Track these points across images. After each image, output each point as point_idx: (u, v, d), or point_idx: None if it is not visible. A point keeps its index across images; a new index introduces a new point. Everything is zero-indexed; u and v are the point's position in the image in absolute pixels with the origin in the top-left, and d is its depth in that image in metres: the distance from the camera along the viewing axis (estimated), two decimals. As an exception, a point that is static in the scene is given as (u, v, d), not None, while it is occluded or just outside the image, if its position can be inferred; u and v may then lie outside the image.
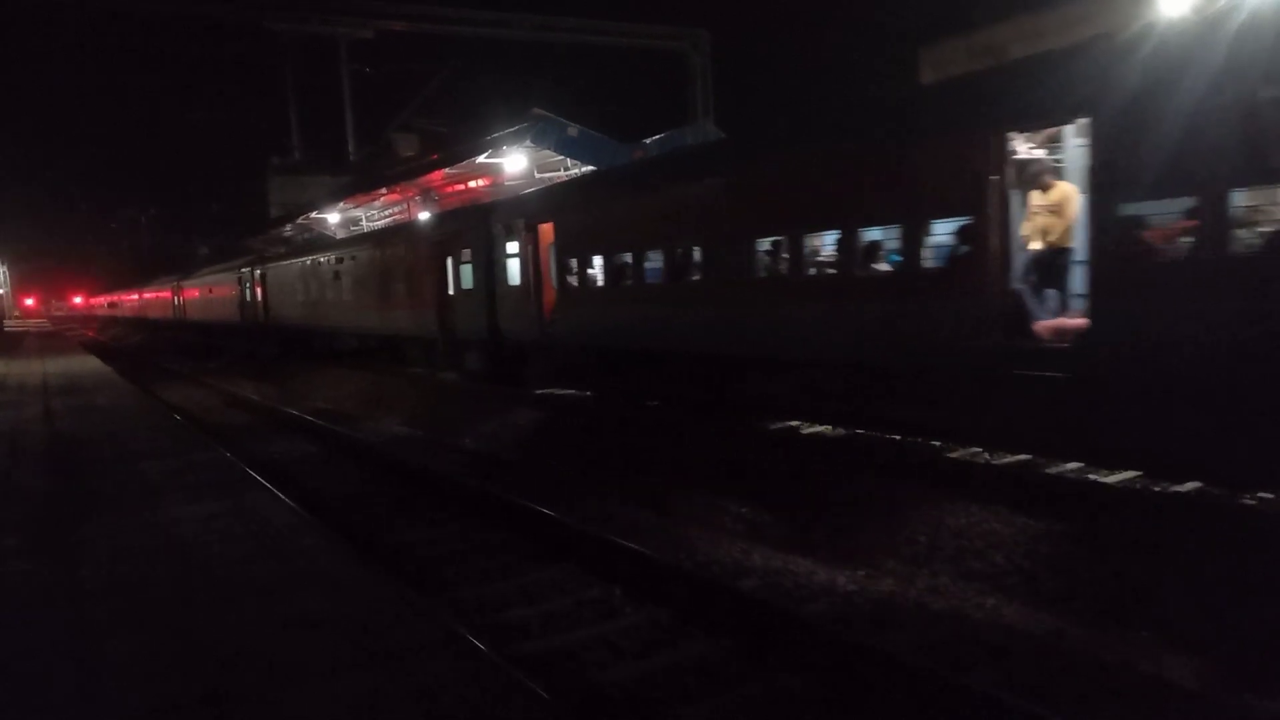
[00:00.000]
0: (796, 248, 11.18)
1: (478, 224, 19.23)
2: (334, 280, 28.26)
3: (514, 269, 17.87)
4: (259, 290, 36.48)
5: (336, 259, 28.55)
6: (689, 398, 14.09)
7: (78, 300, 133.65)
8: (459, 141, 34.39)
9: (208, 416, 20.01)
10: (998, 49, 21.41)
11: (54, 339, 50.77)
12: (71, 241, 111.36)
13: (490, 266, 18.61)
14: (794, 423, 13.10)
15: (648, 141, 28.36)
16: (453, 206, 29.50)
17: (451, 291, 20.53)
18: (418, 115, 46.94)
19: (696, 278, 13.02)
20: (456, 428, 16.13)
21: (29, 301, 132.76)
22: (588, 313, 15.60)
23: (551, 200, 17.81)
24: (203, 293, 48.22)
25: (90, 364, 28.17)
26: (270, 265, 35.83)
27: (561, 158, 27.50)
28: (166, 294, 60.06)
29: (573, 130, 26.25)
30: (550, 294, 16.91)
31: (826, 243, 11.28)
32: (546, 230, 16.90)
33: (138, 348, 52.16)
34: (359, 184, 38.96)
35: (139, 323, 72.26)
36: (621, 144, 27.31)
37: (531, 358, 18.28)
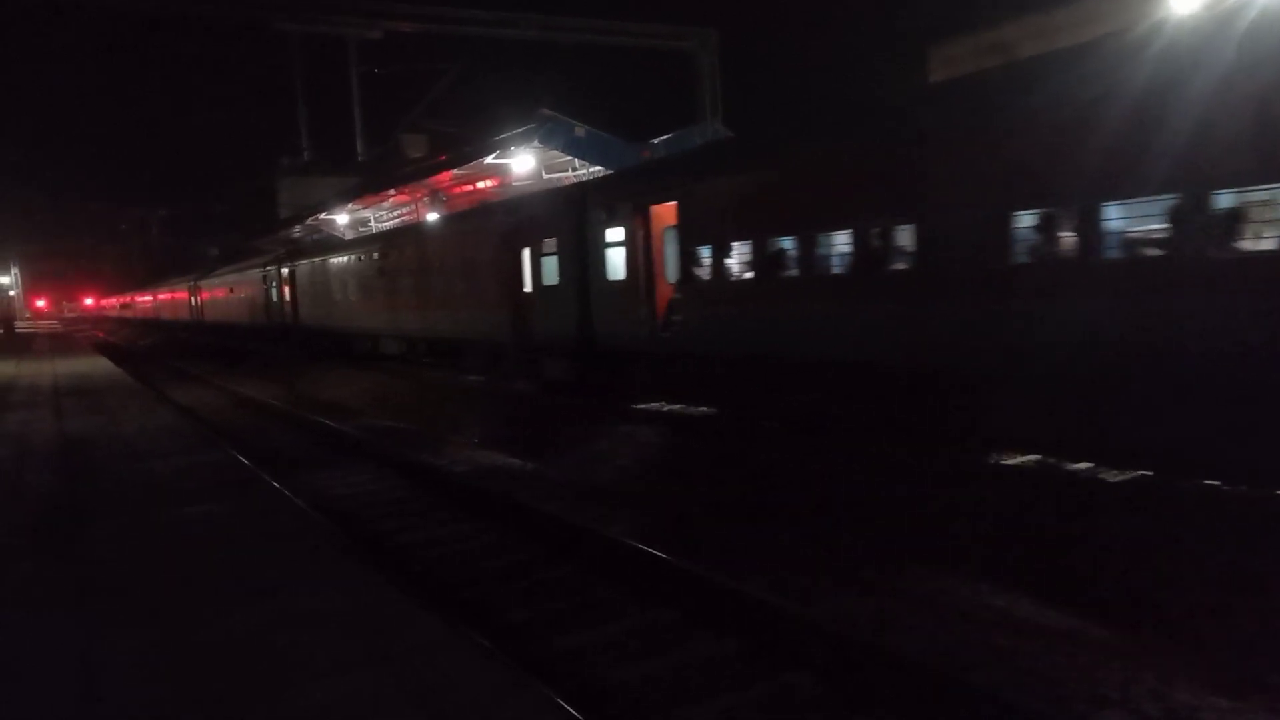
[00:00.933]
0: (1090, 220, 8.02)
1: (567, 207, 16.03)
2: (377, 277, 25.21)
3: (616, 260, 14.75)
4: (287, 290, 33.36)
5: (380, 253, 25.25)
6: (879, 420, 10.62)
7: (88, 302, 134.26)
8: (467, 142, 34.43)
9: (251, 437, 16.18)
10: (1007, 47, 21.31)
11: (66, 341, 50.80)
12: (82, 243, 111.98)
13: (583, 258, 15.50)
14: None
15: (655, 141, 28.34)
16: (531, 189, 26.41)
17: (529, 288, 17.41)
18: (426, 116, 47.07)
19: (907, 266, 9.83)
20: (560, 453, 12.99)
21: (40, 303, 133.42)
22: (726, 312, 12.53)
23: (676, 173, 14.28)
24: (223, 293, 45.50)
25: (101, 365, 27.87)
26: (300, 262, 32.37)
27: (569, 158, 27.52)
28: (183, 294, 57.31)
29: (580, 130, 26.26)
30: (664, 290, 14.01)
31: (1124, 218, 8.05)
32: (664, 212, 13.78)
33: (153, 350, 48.62)
34: (368, 184, 39.03)
35: (153, 324, 69.59)
36: (629, 144, 27.31)
37: (630, 367, 15.11)
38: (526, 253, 17.41)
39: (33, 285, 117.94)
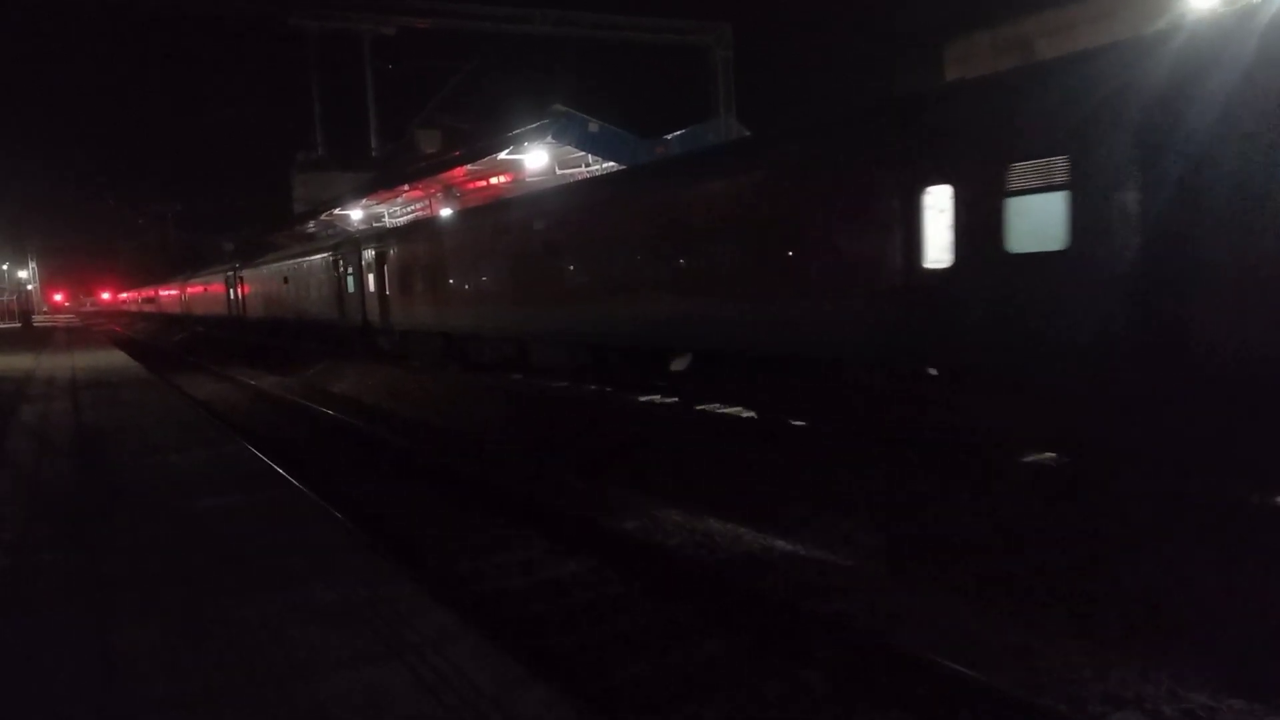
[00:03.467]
0: None
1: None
2: (538, 256, 17.08)
3: None
4: (370, 278, 25.64)
5: (556, 219, 17.05)
6: None
7: (105, 296, 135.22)
8: (481, 138, 34.51)
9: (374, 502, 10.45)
10: (1023, 43, 21.21)
11: (84, 335, 51.16)
12: (99, 238, 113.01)
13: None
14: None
15: (669, 137, 28.35)
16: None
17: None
18: (440, 111, 47.19)
19: None
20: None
21: (58, 297, 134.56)
22: None
23: None
24: (274, 285, 37.68)
25: (130, 367, 27.85)
26: (393, 243, 24.56)
27: (582, 154, 27.55)
28: (217, 287, 49.12)
29: (594, 126, 26.31)
30: None
31: None
32: None
33: (185, 349, 42.85)
34: (382, 180, 39.19)
35: (181, 320, 61.73)
36: (643, 139, 27.33)
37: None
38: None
39: (50, 279, 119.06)
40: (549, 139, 26.24)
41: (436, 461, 12.31)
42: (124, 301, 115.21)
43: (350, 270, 27.36)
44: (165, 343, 49.57)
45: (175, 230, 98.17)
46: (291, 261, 34.73)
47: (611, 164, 25.98)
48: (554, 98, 28.36)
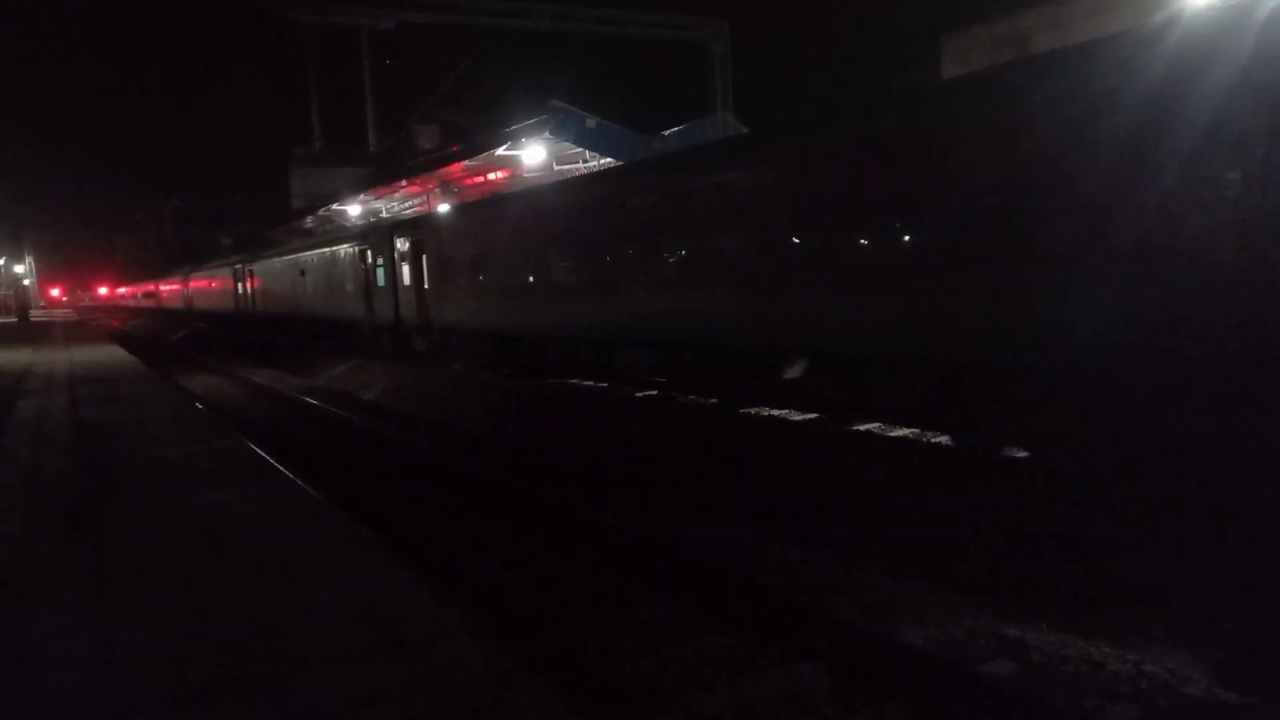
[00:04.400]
0: None
1: None
2: (635, 241, 14.28)
3: None
4: (406, 270, 22.84)
5: (661, 194, 13.77)
6: None
7: (103, 291, 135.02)
8: (479, 133, 34.50)
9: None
10: (1021, 38, 21.22)
11: (82, 330, 51.06)
12: (96, 232, 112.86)
13: None
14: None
15: (666, 134, 28.36)
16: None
17: None
18: (438, 106, 47.14)
19: None
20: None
21: (55, 291, 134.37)
22: None
23: None
24: (286, 279, 34.90)
25: (133, 368, 25.83)
26: (441, 231, 21.53)
27: (580, 150, 27.56)
28: (224, 282, 46.18)
29: (591, 122, 26.32)
30: None
31: None
32: None
33: (190, 345, 40.82)
34: (380, 176, 39.17)
35: (183, 315, 58.94)
36: (640, 136, 27.34)
37: None
38: None
39: (47, 273, 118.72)
40: (547, 135, 26.25)
41: (557, 504, 9.17)
42: (122, 297, 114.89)
43: (380, 261, 24.59)
44: (167, 340, 47.76)
45: (172, 225, 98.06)
46: (310, 253, 31.87)
47: (609, 160, 25.98)
48: (552, 93, 28.42)
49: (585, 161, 28.18)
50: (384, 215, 40.22)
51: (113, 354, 27.17)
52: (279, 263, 36.08)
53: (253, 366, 27.33)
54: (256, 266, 40.03)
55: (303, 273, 32.26)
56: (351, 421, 15.66)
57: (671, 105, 49.45)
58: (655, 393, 14.41)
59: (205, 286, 52.58)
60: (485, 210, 21.45)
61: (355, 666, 4.33)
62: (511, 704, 3.91)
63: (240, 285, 42.55)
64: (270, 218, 56.08)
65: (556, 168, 28.65)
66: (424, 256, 21.76)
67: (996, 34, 23.16)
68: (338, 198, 40.38)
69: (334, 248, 29.07)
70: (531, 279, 17.38)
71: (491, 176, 31.83)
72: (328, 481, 10.18)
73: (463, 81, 45.51)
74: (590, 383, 16.01)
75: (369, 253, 25.35)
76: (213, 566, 5.94)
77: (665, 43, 52.75)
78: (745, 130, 30.65)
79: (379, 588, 5.47)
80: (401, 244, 23.01)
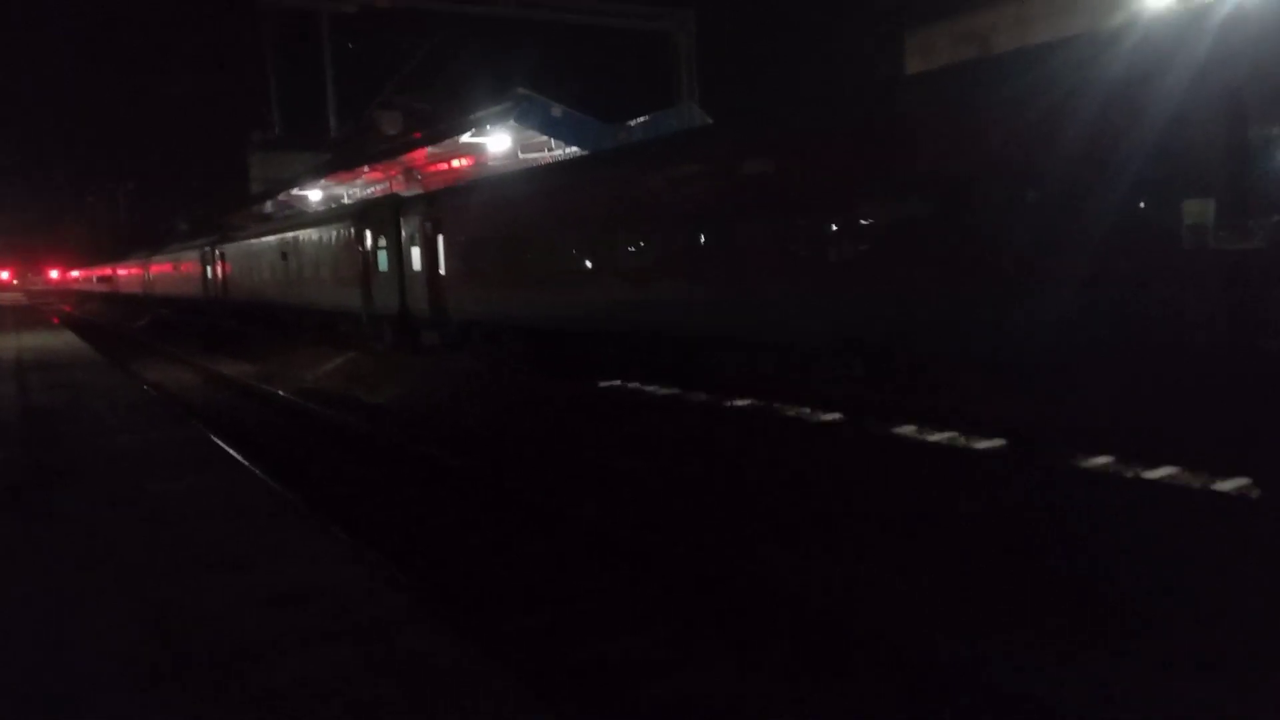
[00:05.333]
0: None
1: None
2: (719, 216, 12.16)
3: None
4: (415, 254, 20.29)
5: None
6: None
7: (54, 274, 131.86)
8: (442, 119, 34.15)
9: None
10: (981, 36, 21.45)
11: (33, 315, 49.82)
12: (47, 214, 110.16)
13: None
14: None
15: (632, 124, 28.29)
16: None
17: None
18: (401, 91, 46.56)
19: None
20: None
21: (3, 275, 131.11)
22: None
23: None
24: (264, 262, 31.82)
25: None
26: (465, 206, 19.15)
27: (546, 138, 27.43)
28: (190, 265, 43.40)
29: (557, 110, 26.16)
30: None
31: None
32: None
33: (154, 335, 38.26)
34: (341, 161, 38.65)
35: (143, 301, 56.12)
36: (606, 124, 27.24)
37: None
38: None
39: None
40: (512, 122, 26.06)
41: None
42: (75, 281, 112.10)
43: (383, 243, 21.75)
44: (127, 327, 45.13)
45: (126, 208, 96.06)
46: (294, 234, 28.78)
47: (574, 149, 25.88)
48: (517, 80, 28.15)
49: (551, 150, 28.05)
50: (345, 201, 39.69)
51: (66, 340, 26.61)
52: (256, 244, 33.18)
53: (230, 360, 25.45)
54: (229, 249, 37.17)
55: (284, 256, 29.37)
56: (366, 433, 13.69)
57: (638, 94, 49.33)
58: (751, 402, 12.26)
59: (169, 271, 49.91)
60: (531, 182, 17.94)
61: None
62: None
63: (210, 269, 39.85)
64: (228, 202, 55.09)
65: (521, 156, 28.48)
66: (440, 237, 19.20)
67: (958, 31, 23.39)
68: (297, 182, 39.77)
69: (323, 228, 26.39)
70: (596, 262, 14.49)
71: (455, 164, 31.56)
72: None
73: (426, 67, 45.05)
74: (670, 388, 13.51)
75: (368, 233, 22.66)
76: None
77: (631, 32, 52.55)
78: (710, 121, 30.68)
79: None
80: (411, 223, 20.46)
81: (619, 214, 13.98)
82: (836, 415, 11.26)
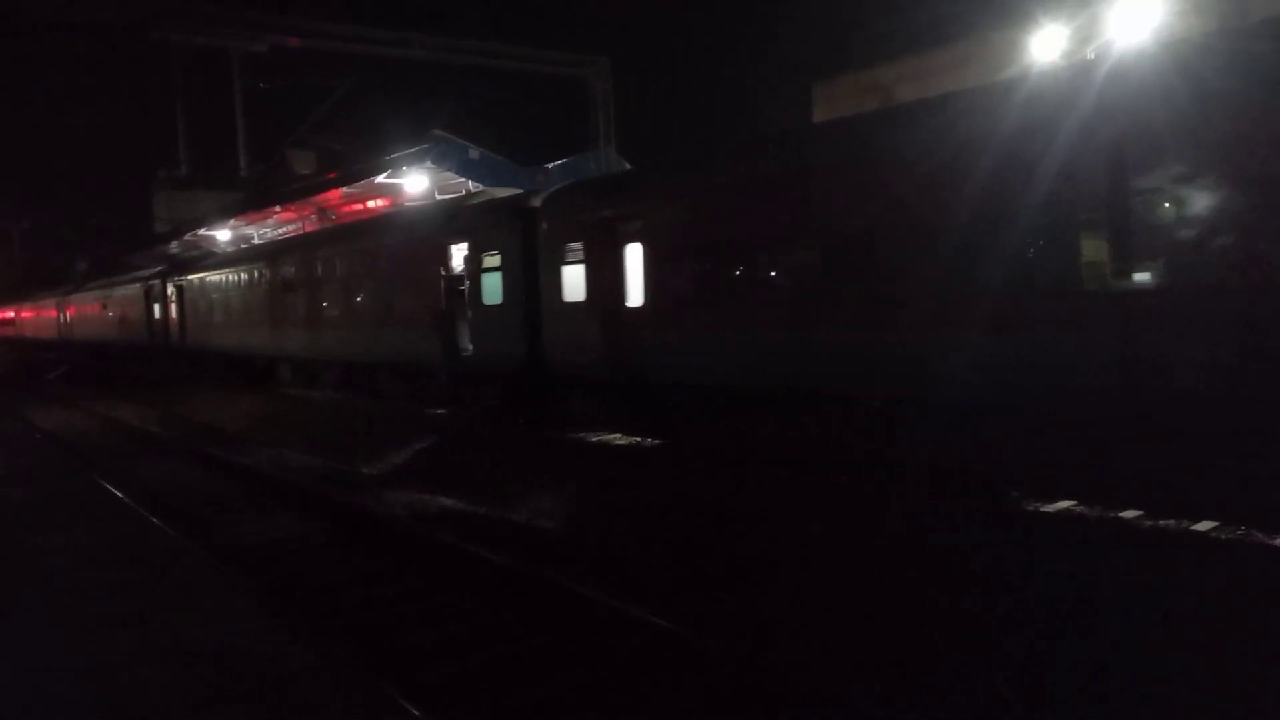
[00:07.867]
0: None
1: None
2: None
3: None
4: (562, 273, 14.15)
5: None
6: None
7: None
8: (357, 160, 33.96)
9: None
10: (884, 88, 22.51)
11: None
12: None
13: None
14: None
15: (550, 166, 28.65)
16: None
17: None
18: (314, 131, 46.11)
19: None
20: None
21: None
22: None
23: None
24: (247, 298, 26.43)
25: None
26: (702, 193, 12.26)
27: (463, 180, 27.57)
28: (130, 305, 37.43)
29: (474, 153, 26.37)
30: None
31: None
32: None
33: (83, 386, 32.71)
34: (253, 200, 38.00)
35: (57, 347, 50.85)
36: (524, 167, 27.53)
37: None
38: None
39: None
40: (429, 164, 26.13)
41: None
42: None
43: (496, 263, 15.63)
44: (42, 382, 37.08)
45: (22, 247, 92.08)
46: (308, 252, 22.86)
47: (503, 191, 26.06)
48: (434, 122, 28.29)
49: (469, 192, 28.17)
50: (255, 241, 38.76)
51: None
52: (241, 273, 26.70)
53: (237, 445, 17.23)
54: (189, 282, 30.71)
55: (289, 287, 23.23)
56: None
57: (558, 138, 49.90)
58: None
59: (95, 312, 42.78)
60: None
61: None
62: None
63: (157, 308, 33.54)
64: (131, 242, 53.41)
65: (439, 197, 28.52)
66: (624, 251, 12.94)
67: (862, 83, 24.48)
68: (205, 222, 38.89)
69: (356, 242, 20.49)
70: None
71: (371, 204, 31.39)
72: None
73: (340, 108, 44.70)
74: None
75: (460, 247, 16.77)
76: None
77: (548, 77, 53.21)
78: (627, 165, 31.21)
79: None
80: (555, 228, 14.25)
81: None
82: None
